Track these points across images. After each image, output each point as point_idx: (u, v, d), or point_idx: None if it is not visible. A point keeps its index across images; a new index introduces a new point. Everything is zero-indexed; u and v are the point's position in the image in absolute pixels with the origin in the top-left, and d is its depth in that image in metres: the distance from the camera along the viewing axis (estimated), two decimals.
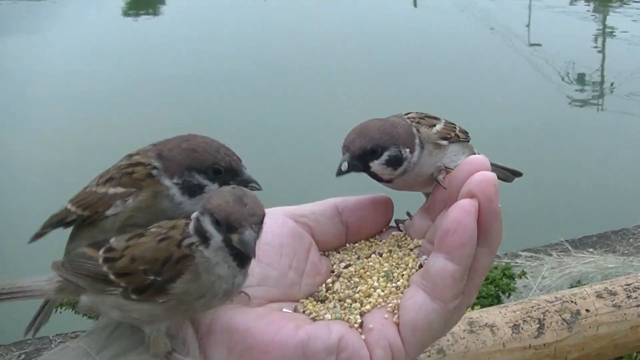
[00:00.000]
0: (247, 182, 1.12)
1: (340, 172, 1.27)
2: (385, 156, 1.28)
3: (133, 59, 13.26)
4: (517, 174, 1.65)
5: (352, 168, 1.27)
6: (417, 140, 1.33)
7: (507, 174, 1.64)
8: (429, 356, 2.05)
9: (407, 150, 1.30)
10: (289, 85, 11.79)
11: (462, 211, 1.07)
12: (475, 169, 1.10)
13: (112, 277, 1.06)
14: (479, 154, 1.30)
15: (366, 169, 1.29)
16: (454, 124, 1.45)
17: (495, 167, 1.54)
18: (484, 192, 1.07)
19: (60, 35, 14.72)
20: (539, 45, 14.49)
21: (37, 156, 9.34)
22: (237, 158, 1.12)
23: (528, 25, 15.89)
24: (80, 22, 15.59)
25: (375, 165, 1.29)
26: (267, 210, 1.22)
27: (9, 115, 10.45)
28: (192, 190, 1.10)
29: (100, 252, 1.08)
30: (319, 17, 15.97)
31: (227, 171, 1.10)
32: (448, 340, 2.09)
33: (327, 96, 11.25)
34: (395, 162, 1.29)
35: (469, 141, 1.48)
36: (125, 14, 16.95)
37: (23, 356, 5.81)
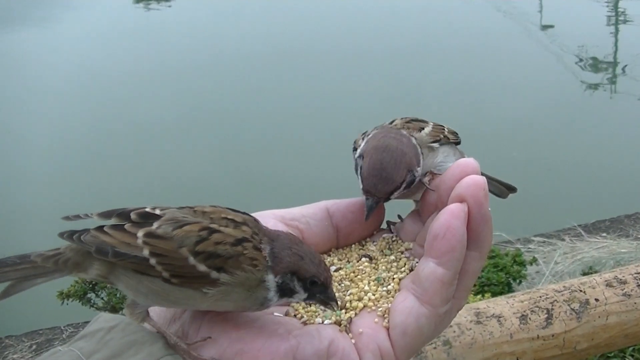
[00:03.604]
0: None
1: (369, 215, 1.28)
2: (403, 187, 1.30)
3: (145, 48, 13.29)
4: (512, 189, 1.63)
5: (377, 207, 1.30)
6: (419, 152, 1.34)
7: (502, 189, 1.64)
8: (434, 348, 2.02)
9: (418, 168, 1.32)
10: (300, 71, 11.78)
11: (451, 216, 1.07)
12: (464, 173, 1.10)
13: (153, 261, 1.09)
14: (467, 156, 1.30)
15: (387, 200, 1.31)
16: (442, 125, 1.45)
17: (490, 181, 1.55)
18: (474, 196, 1.08)
19: (72, 25, 14.75)
20: (550, 27, 14.39)
21: (51, 146, 9.37)
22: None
23: (540, 8, 15.77)
24: (92, 11, 15.60)
25: (395, 195, 1.30)
26: (257, 214, 1.22)
27: (22, 105, 10.50)
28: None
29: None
30: (330, 2, 15.93)
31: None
32: (454, 332, 2.07)
33: (336, 82, 11.23)
34: (410, 184, 1.31)
35: (459, 143, 1.48)
36: (137, 2, 16.95)
37: (34, 346, 5.84)
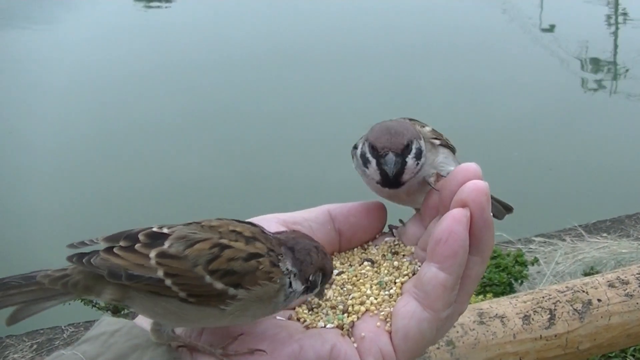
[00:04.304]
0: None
1: (393, 171, 1.28)
2: (414, 149, 1.30)
3: (145, 47, 13.30)
4: (509, 209, 1.62)
5: (398, 164, 1.29)
6: (421, 137, 1.34)
7: (499, 209, 1.62)
8: (438, 348, 2.03)
9: (421, 141, 1.32)
10: (301, 71, 11.77)
11: (453, 221, 1.07)
12: (467, 178, 1.10)
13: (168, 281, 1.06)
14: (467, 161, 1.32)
15: (403, 165, 1.29)
16: (440, 133, 1.46)
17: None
18: (476, 201, 1.08)
19: (73, 25, 14.77)
20: (551, 28, 14.40)
21: (52, 145, 9.37)
22: None
23: (541, 9, 15.78)
24: (93, 11, 15.62)
25: (409, 159, 1.30)
26: (259, 217, 1.22)
27: (24, 105, 10.50)
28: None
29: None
30: (331, 2, 15.93)
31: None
32: (458, 332, 2.07)
33: (337, 83, 11.23)
34: (419, 155, 1.31)
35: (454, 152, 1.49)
36: (137, 1, 16.96)
37: (35, 346, 5.84)
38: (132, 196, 7.99)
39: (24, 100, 10.67)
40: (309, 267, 1.11)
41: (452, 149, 1.46)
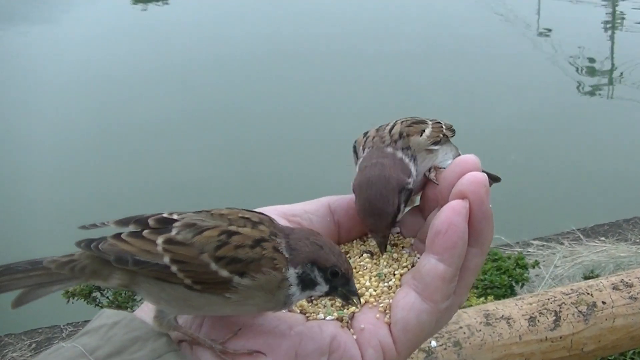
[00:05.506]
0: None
1: (384, 250, 1.29)
2: (403, 207, 1.30)
3: (144, 46, 13.28)
4: (496, 179, 1.61)
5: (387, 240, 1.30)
6: (407, 162, 1.34)
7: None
8: (445, 349, 2.04)
9: (409, 179, 1.31)
10: (299, 72, 11.75)
11: (452, 212, 1.07)
12: (465, 169, 1.10)
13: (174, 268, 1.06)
14: (460, 154, 1.33)
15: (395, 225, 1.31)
16: (439, 122, 1.46)
17: None
18: (475, 193, 1.08)
19: (72, 24, 14.74)
20: (548, 31, 14.41)
21: (52, 144, 9.36)
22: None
23: (538, 12, 15.80)
24: (91, 10, 15.60)
25: (400, 217, 1.31)
26: (259, 210, 1.22)
27: (22, 104, 10.48)
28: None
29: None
30: (331, 4, 15.93)
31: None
32: (464, 333, 2.09)
33: (336, 83, 11.22)
34: (408, 198, 1.32)
35: (453, 135, 1.49)
36: (135, 1, 16.95)
37: (34, 345, 5.83)
38: (132, 195, 7.98)
39: (22, 99, 10.66)
40: (299, 254, 1.09)
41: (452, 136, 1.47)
